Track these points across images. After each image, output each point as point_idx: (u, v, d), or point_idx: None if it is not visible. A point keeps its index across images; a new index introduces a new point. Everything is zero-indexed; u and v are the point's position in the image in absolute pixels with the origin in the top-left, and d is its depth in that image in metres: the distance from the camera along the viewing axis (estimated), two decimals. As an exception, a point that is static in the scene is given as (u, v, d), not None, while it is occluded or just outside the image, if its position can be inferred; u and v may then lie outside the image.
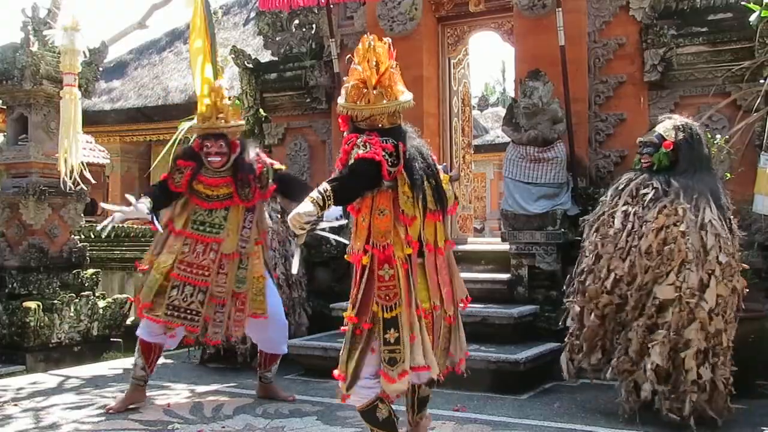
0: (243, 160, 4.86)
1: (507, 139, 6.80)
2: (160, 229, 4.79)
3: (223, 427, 4.35)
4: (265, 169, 4.92)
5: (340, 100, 3.45)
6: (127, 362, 6.69)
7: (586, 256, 4.59)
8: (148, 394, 5.04)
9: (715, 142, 5.45)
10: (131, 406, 4.79)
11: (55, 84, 6.94)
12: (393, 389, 3.23)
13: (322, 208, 3.06)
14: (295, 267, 3.06)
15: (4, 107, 7.65)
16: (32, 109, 7.18)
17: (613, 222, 4.43)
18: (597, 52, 6.74)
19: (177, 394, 5.24)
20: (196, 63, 5.85)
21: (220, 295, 4.76)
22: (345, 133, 3.44)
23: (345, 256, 3.45)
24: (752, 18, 5.40)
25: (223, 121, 4.83)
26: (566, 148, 6.39)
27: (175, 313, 4.68)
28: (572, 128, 6.41)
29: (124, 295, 7.87)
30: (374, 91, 3.34)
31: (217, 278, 4.76)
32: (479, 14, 7.58)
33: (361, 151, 3.19)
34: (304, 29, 8.20)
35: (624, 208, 4.43)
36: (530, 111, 6.35)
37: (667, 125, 4.58)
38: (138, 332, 4.89)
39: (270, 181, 4.91)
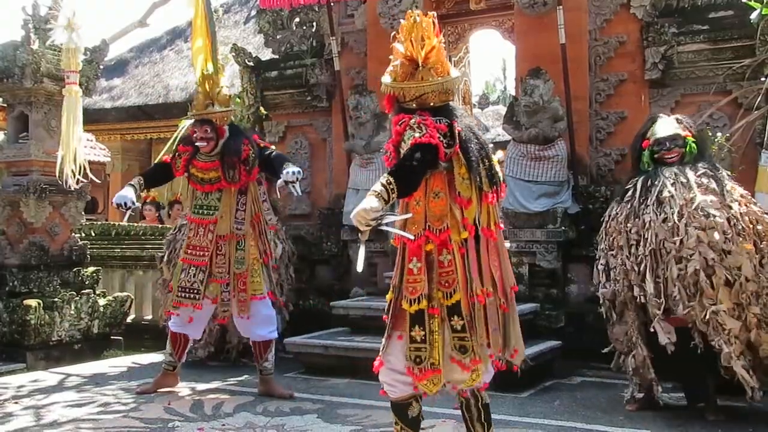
0: (229, 144, 5.11)
1: (508, 137, 6.80)
2: (125, 219, 5.30)
3: (224, 425, 4.35)
4: (252, 152, 5.11)
5: (385, 78, 3.28)
6: (128, 360, 6.73)
7: (688, 257, 4.19)
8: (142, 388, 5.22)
9: (716, 140, 5.45)
10: (162, 390, 5.17)
11: (56, 82, 6.94)
12: (458, 379, 3.10)
13: (387, 201, 2.91)
14: (360, 264, 2.97)
15: (5, 105, 7.65)
16: (33, 107, 7.18)
17: (714, 211, 4.24)
18: (598, 50, 6.73)
19: (177, 391, 5.24)
20: (198, 62, 5.87)
21: (220, 275, 5.03)
22: (391, 115, 3.31)
23: (391, 241, 3.35)
24: (753, 16, 5.41)
25: (211, 107, 5.09)
26: (567, 146, 6.38)
27: (183, 294, 5.02)
28: (573, 126, 6.40)
29: (125, 293, 7.87)
30: (423, 69, 3.18)
31: (216, 259, 5.04)
32: (480, 12, 7.58)
33: (417, 135, 3.03)
34: (304, 27, 8.20)
35: (709, 198, 4.30)
36: (531, 109, 6.35)
37: (671, 121, 4.65)
38: (169, 323, 5.27)
39: (254, 162, 5.12)
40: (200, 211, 5.10)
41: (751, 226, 4.24)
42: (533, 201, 6.26)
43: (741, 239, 4.17)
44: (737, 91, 6.00)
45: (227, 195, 5.08)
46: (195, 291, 5.00)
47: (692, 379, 4.48)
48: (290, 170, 4.88)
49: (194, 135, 5.09)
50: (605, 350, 4.80)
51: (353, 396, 5.05)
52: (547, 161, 6.32)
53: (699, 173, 4.41)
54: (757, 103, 5.62)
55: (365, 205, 2.85)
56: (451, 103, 3.27)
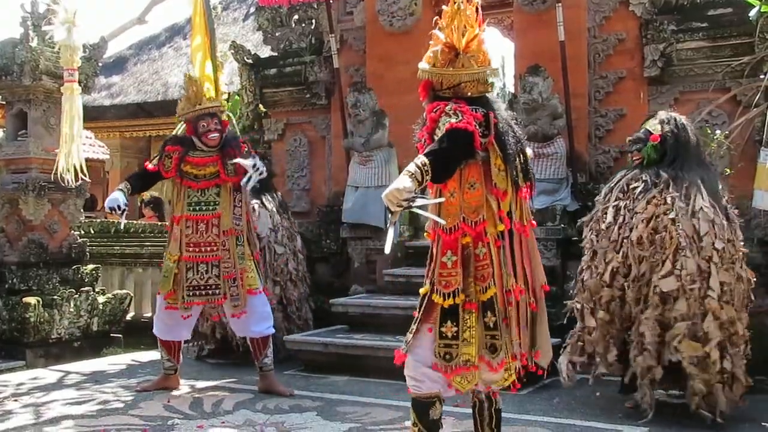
0: (230, 138, 5.17)
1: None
2: (122, 221, 5.21)
3: (223, 422, 4.36)
4: (247, 148, 5.24)
5: (423, 65, 3.16)
6: (127, 358, 6.74)
7: (584, 254, 4.63)
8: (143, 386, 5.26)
9: (715, 137, 5.45)
10: (173, 395, 5.11)
11: (55, 79, 6.93)
12: (492, 379, 3.03)
13: (420, 183, 2.79)
14: (388, 246, 2.86)
15: (4, 103, 7.63)
16: (31, 105, 7.16)
17: (606, 217, 4.47)
18: (597, 48, 6.74)
19: (178, 389, 5.24)
20: (197, 59, 5.88)
21: (227, 270, 5.00)
22: (425, 103, 3.17)
23: (425, 234, 3.23)
24: (752, 13, 5.40)
25: (208, 102, 5.12)
26: (566, 143, 6.39)
27: (197, 292, 4.99)
28: (572, 124, 6.41)
29: (124, 291, 7.87)
30: (463, 56, 3.08)
31: (223, 253, 5.02)
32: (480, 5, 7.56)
33: (453, 120, 2.91)
34: (303, 25, 8.20)
35: (615, 203, 4.48)
36: (530, 106, 6.35)
37: (653, 120, 4.64)
38: (154, 331, 5.26)
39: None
40: (198, 208, 5.05)
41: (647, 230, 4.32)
42: (532, 198, 6.25)
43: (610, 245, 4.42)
44: (736, 88, 5.99)
45: (225, 191, 5.08)
46: (213, 287, 4.98)
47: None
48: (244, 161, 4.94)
49: (201, 129, 5.04)
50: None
51: (353, 393, 5.06)
52: (546, 159, 6.33)
53: (636, 177, 4.52)
54: (756, 100, 5.61)
55: (398, 184, 2.73)
56: (488, 94, 3.18)
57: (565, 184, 6.34)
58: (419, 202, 2.79)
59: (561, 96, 6.37)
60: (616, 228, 4.40)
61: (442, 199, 3.03)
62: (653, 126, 4.57)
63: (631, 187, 4.48)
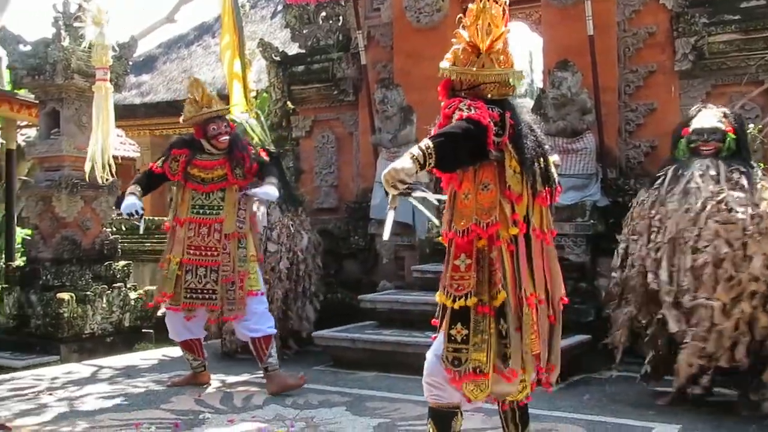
0: (238, 141, 5.22)
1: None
2: (141, 225, 5.27)
3: (254, 417, 4.38)
4: (253, 152, 5.26)
5: (444, 63, 3.05)
6: (158, 353, 6.79)
7: (702, 248, 4.17)
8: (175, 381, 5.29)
9: (748, 131, 5.36)
10: (204, 392, 5.12)
11: (86, 78, 7.01)
12: (504, 391, 2.90)
13: (422, 166, 2.67)
14: (387, 233, 2.78)
15: (37, 102, 7.75)
16: (64, 104, 7.26)
17: (731, 207, 4.17)
18: (626, 42, 6.65)
19: (209, 384, 5.29)
20: (225, 57, 5.93)
21: (226, 274, 5.02)
22: (443, 103, 3.06)
23: (439, 238, 3.12)
24: (786, 5, 5.31)
25: (216, 105, 5.15)
26: (595, 138, 6.32)
27: (194, 295, 5.02)
28: (601, 118, 6.34)
29: (155, 287, 7.95)
30: (485, 56, 2.97)
31: (222, 258, 5.03)
32: (507, 5, 7.52)
33: (465, 113, 2.80)
34: (331, 21, 8.20)
35: (734, 193, 4.23)
36: (559, 102, 6.30)
37: (715, 113, 4.57)
38: (170, 335, 5.33)
39: (254, 161, 5.18)
40: (201, 211, 5.07)
41: None
42: (562, 194, 6.19)
43: (761, 237, 4.10)
44: (770, 81, 5.90)
45: (230, 193, 5.09)
46: (210, 291, 5.00)
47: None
48: (262, 192, 5.08)
49: (211, 132, 5.05)
50: (605, 341, 4.84)
51: (381, 389, 5.06)
52: (576, 154, 6.27)
53: (731, 168, 4.35)
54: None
55: (397, 164, 2.65)
56: (510, 98, 3.05)
57: (594, 179, 6.28)
58: (418, 193, 2.72)
59: (590, 91, 6.31)
60: (748, 219, 4.10)
61: (443, 197, 2.94)
62: (720, 119, 4.52)
63: (734, 177, 4.28)
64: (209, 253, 5.03)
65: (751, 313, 4.11)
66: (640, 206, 4.57)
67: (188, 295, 5.02)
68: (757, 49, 6.08)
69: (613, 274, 4.71)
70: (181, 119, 5.29)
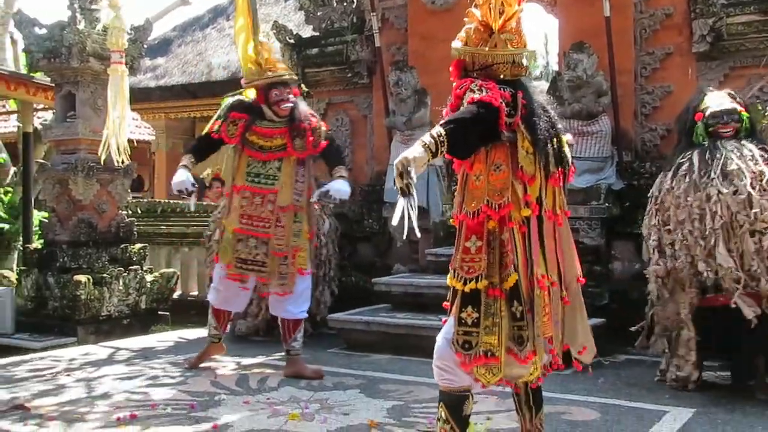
0: (300, 111, 4.95)
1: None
2: (192, 203, 5.09)
3: (268, 398, 4.41)
4: (318, 124, 5.00)
5: (456, 43, 2.98)
6: (175, 335, 6.85)
7: (764, 230, 4.09)
8: (191, 362, 5.23)
9: (766, 113, 5.31)
10: (211, 359, 5.22)
11: (102, 61, 7.03)
12: (518, 373, 2.84)
13: (434, 153, 2.64)
14: (396, 218, 2.69)
15: (53, 85, 7.78)
16: (80, 87, 7.28)
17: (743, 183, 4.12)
18: (643, 23, 6.58)
19: (224, 366, 5.32)
20: (239, 40, 5.90)
21: (279, 248, 4.87)
22: (455, 83, 3.00)
23: (451, 220, 3.07)
24: (807, -15, 5.23)
25: (281, 70, 4.92)
26: (611, 121, 6.27)
27: (244, 266, 4.88)
28: (617, 101, 6.29)
29: (171, 270, 8.01)
30: (498, 36, 2.90)
31: (275, 230, 4.86)
32: (522, -16, 7.45)
33: (476, 96, 2.75)
34: (345, 3, 8.16)
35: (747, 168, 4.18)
36: (574, 84, 6.25)
37: (722, 95, 4.53)
38: (208, 298, 5.25)
39: (321, 138, 4.98)
40: (257, 180, 4.87)
41: None
42: (576, 177, 6.10)
43: None
44: (789, 63, 5.83)
45: (287, 164, 4.89)
46: (260, 263, 4.86)
47: (741, 356, 4.40)
48: (336, 189, 4.88)
49: (274, 98, 4.85)
50: (634, 328, 4.77)
51: (395, 372, 5.09)
52: (591, 137, 6.23)
53: (760, 146, 4.30)
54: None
55: (409, 152, 2.61)
56: (523, 78, 2.99)
57: (610, 162, 6.24)
58: (411, 200, 2.62)
59: (606, 73, 6.25)
60: None
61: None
62: (726, 101, 4.47)
63: (750, 156, 4.22)
64: (261, 224, 4.85)
65: None
66: (669, 194, 4.40)
67: (239, 265, 4.88)
68: (776, 30, 6.00)
69: (653, 267, 4.50)
70: (242, 81, 5.07)
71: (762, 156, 4.24)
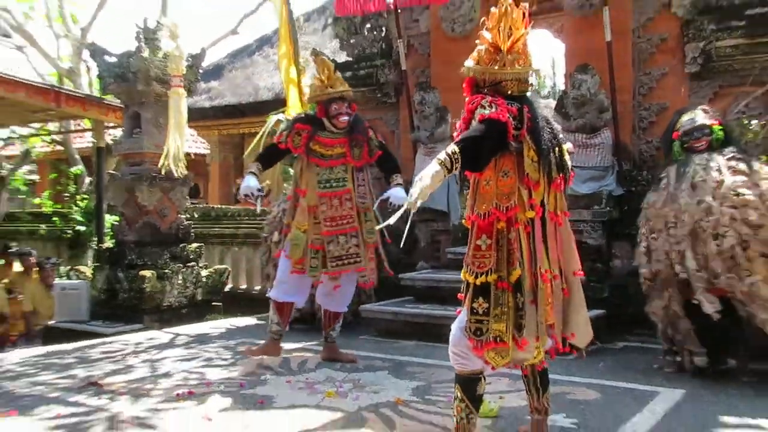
0: (358, 123, 4.87)
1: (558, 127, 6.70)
2: (258, 206, 4.93)
3: (307, 378, 4.45)
4: (372, 135, 4.92)
5: (468, 62, 2.99)
6: (226, 323, 6.91)
7: (723, 234, 4.09)
8: (244, 349, 5.19)
9: (752, 127, 5.25)
10: (265, 357, 4.91)
11: (163, 85, 7.15)
12: (521, 357, 2.86)
13: (450, 170, 2.66)
14: (392, 220, 2.74)
15: (122, 106, 7.93)
16: (144, 107, 7.42)
17: (734, 192, 4.12)
18: (641, 47, 6.54)
19: (279, 356, 5.33)
20: (282, 64, 5.96)
21: (371, 239, 4.78)
22: (468, 98, 3.01)
23: (462, 221, 3.09)
24: (788, 12, 5.17)
25: (340, 87, 4.82)
26: (612, 134, 6.25)
27: (341, 262, 4.67)
28: (617, 116, 6.26)
29: (223, 266, 8.11)
30: (506, 56, 2.92)
31: (359, 225, 4.73)
32: (532, 15, 7.45)
33: (486, 112, 2.77)
34: (375, 32, 8.21)
35: (729, 181, 4.16)
36: (579, 101, 6.24)
37: (698, 113, 4.49)
38: (270, 294, 4.97)
39: (376, 148, 4.90)
40: (329, 185, 4.70)
41: None
42: (581, 184, 6.15)
43: None
44: (772, 82, 5.75)
45: (349, 170, 4.76)
46: (355, 255, 4.68)
47: (719, 345, 4.38)
48: (395, 196, 4.69)
49: (333, 111, 4.72)
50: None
51: (419, 356, 5.09)
52: (594, 148, 6.21)
53: (728, 157, 4.27)
54: (791, 92, 5.38)
55: (428, 171, 2.65)
56: (529, 94, 3.00)
57: (611, 171, 6.21)
58: (412, 210, 2.66)
59: (607, 91, 6.23)
60: (758, 198, 4.06)
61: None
62: (696, 117, 4.43)
63: (740, 166, 4.20)
64: (345, 221, 4.68)
65: None
66: (652, 207, 4.45)
67: (334, 263, 4.65)
68: (761, 52, 5.91)
69: (641, 270, 4.53)
70: (305, 98, 4.94)
71: (728, 165, 4.22)
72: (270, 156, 4.96)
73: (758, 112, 5.78)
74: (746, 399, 3.90)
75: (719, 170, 4.21)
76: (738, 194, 4.09)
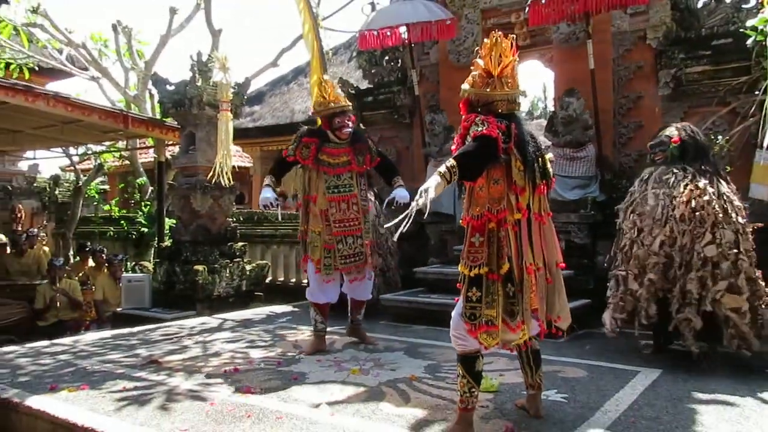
0: (359, 134, 4.80)
1: (548, 142, 6.63)
2: (279, 213, 4.82)
3: (335, 357, 4.43)
4: (371, 144, 4.86)
5: (465, 86, 2.99)
6: (267, 310, 6.88)
7: (627, 233, 4.22)
8: (281, 332, 5.16)
9: (717, 142, 5.16)
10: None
11: (214, 109, 7.18)
12: (511, 338, 2.86)
13: (449, 181, 2.68)
14: (406, 223, 2.69)
15: (179, 127, 7.98)
16: (198, 128, 7.46)
17: (647, 202, 4.15)
18: (620, 74, 6.46)
19: (302, 333, 5.35)
20: (314, 91, 5.95)
21: (368, 237, 4.74)
22: (463, 117, 3.00)
23: (460, 222, 3.07)
24: (749, 42, 5.07)
25: (342, 102, 4.72)
26: (595, 148, 6.17)
27: (348, 260, 4.60)
28: (600, 133, 6.18)
29: (264, 262, 8.10)
30: (497, 80, 2.92)
31: (363, 227, 4.68)
32: (526, 47, 7.39)
33: (479, 129, 2.77)
34: (392, 63, 8.20)
35: (653, 190, 4.16)
36: (566, 120, 6.17)
37: (670, 129, 4.39)
38: (308, 296, 4.75)
39: (376, 155, 4.83)
40: (337, 190, 4.59)
41: (687, 209, 3.99)
42: (569, 191, 6.10)
43: (661, 223, 4.03)
44: (735, 102, 5.64)
45: (354, 176, 4.66)
46: (359, 254, 4.61)
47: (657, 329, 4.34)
48: (399, 195, 4.58)
49: (336, 124, 4.60)
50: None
51: (430, 339, 5.05)
52: (580, 161, 6.14)
53: (666, 170, 4.19)
54: (751, 111, 5.27)
55: (431, 182, 2.66)
56: (516, 112, 2.99)
57: (594, 180, 6.14)
58: (411, 212, 2.62)
59: (591, 112, 6.15)
60: (660, 209, 4.06)
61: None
62: (671, 132, 4.33)
63: (663, 178, 4.16)
64: (352, 223, 4.59)
65: (655, 280, 4.02)
66: (623, 213, 4.44)
67: (343, 261, 4.57)
68: (724, 77, 5.81)
69: (613, 269, 4.46)
70: (310, 112, 4.88)
71: (661, 179, 4.16)
72: (281, 169, 4.83)
73: (723, 128, 5.68)
74: (716, 378, 3.81)
75: (671, 182, 4.13)
76: (645, 203, 4.13)
